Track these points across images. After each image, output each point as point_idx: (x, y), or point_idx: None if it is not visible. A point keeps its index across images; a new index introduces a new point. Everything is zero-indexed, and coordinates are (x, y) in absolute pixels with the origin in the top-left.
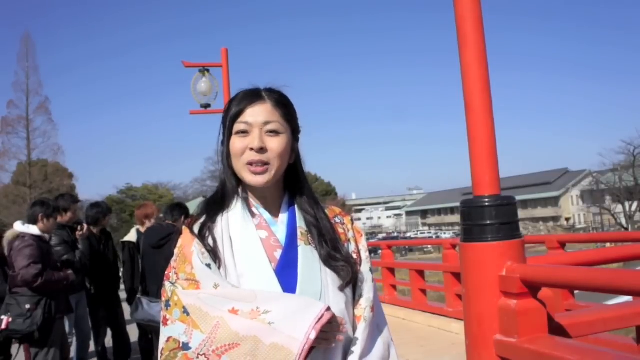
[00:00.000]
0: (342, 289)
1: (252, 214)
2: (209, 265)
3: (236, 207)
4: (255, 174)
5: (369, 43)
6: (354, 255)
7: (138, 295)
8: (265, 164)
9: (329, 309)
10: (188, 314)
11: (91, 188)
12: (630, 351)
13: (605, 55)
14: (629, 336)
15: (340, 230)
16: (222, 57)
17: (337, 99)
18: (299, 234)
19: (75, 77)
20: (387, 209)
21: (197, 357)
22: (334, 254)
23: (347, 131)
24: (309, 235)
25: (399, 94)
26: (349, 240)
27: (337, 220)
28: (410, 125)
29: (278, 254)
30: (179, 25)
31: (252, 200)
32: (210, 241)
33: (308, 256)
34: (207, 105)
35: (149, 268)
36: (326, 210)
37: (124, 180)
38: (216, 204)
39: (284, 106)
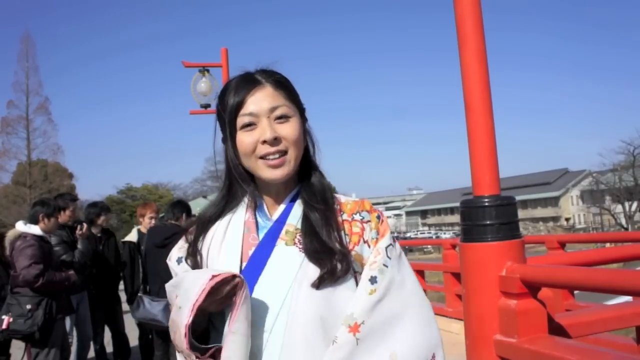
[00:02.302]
0: (315, 285)
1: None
2: (179, 260)
3: (239, 209)
4: (274, 167)
5: (369, 42)
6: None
7: (140, 294)
8: (283, 153)
9: (212, 277)
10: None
11: (91, 188)
12: (630, 351)
13: (605, 55)
14: (628, 336)
15: (355, 230)
16: (222, 57)
17: (337, 99)
18: (282, 232)
19: (75, 77)
20: (387, 209)
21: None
22: (317, 247)
23: (347, 131)
24: (297, 234)
25: (399, 93)
26: (366, 242)
27: (356, 217)
28: (410, 125)
29: (252, 252)
30: (179, 25)
31: (259, 195)
32: (198, 236)
33: (283, 256)
34: (207, 106)
35: (152, 268)
36: (347, 203)
37: (123, 180)
38: (216, 208)
39: (285, 86)
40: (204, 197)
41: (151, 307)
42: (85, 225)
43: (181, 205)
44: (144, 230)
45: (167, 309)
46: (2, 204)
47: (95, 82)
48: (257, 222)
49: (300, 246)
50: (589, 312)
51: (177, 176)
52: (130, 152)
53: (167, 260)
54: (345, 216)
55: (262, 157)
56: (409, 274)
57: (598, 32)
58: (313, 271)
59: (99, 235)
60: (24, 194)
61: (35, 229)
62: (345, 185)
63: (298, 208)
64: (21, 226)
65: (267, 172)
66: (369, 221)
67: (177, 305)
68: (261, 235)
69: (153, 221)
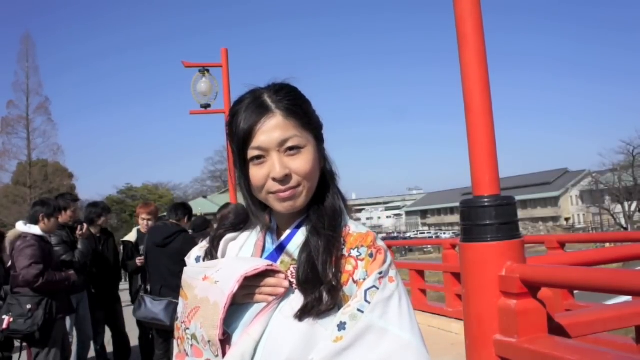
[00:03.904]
0: (298, 316)
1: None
2: (197, 259)
3: (258, 227)
4: (284, 200)
5: (369, 43)
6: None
7: (141, 294)
8: (295, 187)
9: (269, 265)
10: (182, 288)
11: (91, 188)
12: (629, 351)
13: (605, 55)
14: (628, 336)
15: (348, 268)
16: (222, 57)
17: (337, 99)
18: (278, 262)
19: (75, 76)
20: (387, 209)
21: (181, 325)
22: (309, 276)
23: (347, 131)
24: (291, 266)
25: (399, 94)
26: (355, 282)
27: (353, 252)
28: (410, 125)
29: None
30: (179, 25)
31: (274, 216)
32: (218, 242)
33: None
34: (207, 106)
35: (153, 267)
36: (352, 234)
37: (124, 180)
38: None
39: (297, 113)
40: (204, 197)
41: (153, 306)
42: (85, 225)
43: (184, 208)
44: (143, 230)
45: (168, 308)
46: (2, 204)
47: (96, 82)
48: (264, 245)
49: (292, 279)
50: (588, 312)
51: (177, 176)
52: (131, 152)
53: (186, 258)
54: (344, 250)
55: (273, 193)
56: (397, 323)
57: (598, 33)
58: (298, 303)
59: (98, 235)
60: (24, 194)
61: (36, 229)
62: (345, 185)
63: (301, 235)
64: (21, 226)
65: (278, 205)
66: (363, 259)
67: (212, 279)
68: None
69: (146, 222)
